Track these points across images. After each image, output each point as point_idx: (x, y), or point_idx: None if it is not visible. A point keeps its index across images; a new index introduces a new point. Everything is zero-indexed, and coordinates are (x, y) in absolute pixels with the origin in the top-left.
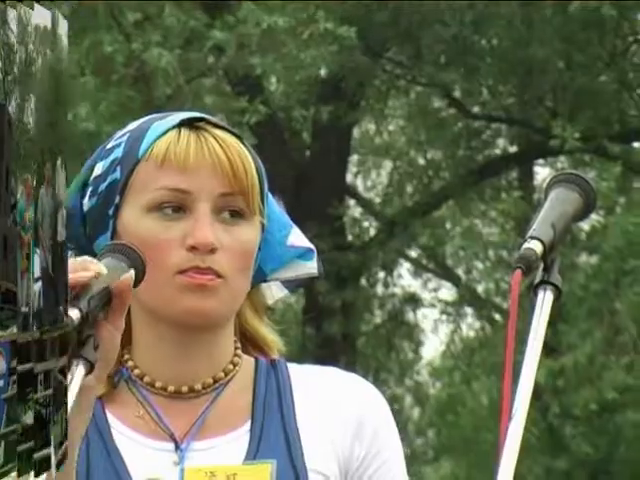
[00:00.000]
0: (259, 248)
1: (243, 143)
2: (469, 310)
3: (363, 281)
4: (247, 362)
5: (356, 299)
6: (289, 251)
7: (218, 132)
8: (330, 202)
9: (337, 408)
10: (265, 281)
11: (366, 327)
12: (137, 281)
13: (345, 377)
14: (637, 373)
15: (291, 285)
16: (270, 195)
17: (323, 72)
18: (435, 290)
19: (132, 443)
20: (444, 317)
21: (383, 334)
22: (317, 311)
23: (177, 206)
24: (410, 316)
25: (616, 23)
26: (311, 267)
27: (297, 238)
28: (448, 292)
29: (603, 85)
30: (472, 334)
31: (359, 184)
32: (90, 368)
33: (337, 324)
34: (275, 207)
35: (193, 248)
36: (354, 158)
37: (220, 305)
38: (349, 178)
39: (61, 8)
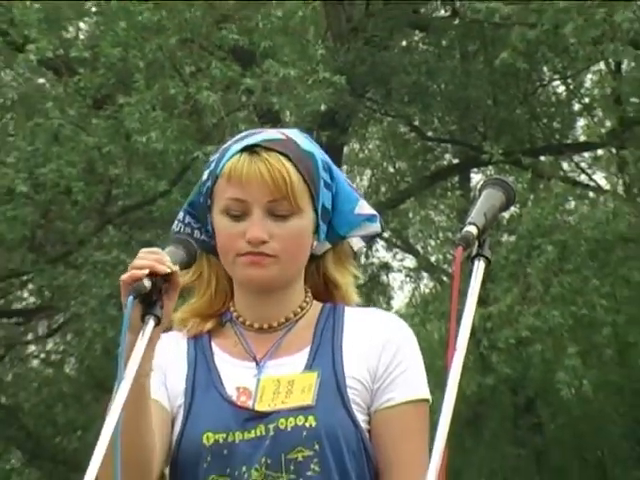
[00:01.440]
0: (331, 218)
1: (289, 159)
2: (425, 274)
3: None
4: (315, 306)
5: None
6: (357, 218)
7: (266, 154)
8: None
9: (371, 333)
10: (344, 239)
11: None
12: (191, 262)
13: (382, 314)
14: (542, 318)
15: (366, 239)
16: (343, 178)
17: (322, 108)
18: (401, 260)
19: (227, 364)
20: (408, 279)
21: (364, 292)
22: None
23: (238, 210)
24: (384, 278)
25: (527, 73)
26: (376, 227)
27: (364, 208)
28: (410, 261)
29: (518, 116)
30: (427, 291)
31: None
32: (158, 321)
33: None
34: (345, 187)
35: (249, 241)
36: (344, 168)
37: (270, 275)
38: None
39: (140, 65)
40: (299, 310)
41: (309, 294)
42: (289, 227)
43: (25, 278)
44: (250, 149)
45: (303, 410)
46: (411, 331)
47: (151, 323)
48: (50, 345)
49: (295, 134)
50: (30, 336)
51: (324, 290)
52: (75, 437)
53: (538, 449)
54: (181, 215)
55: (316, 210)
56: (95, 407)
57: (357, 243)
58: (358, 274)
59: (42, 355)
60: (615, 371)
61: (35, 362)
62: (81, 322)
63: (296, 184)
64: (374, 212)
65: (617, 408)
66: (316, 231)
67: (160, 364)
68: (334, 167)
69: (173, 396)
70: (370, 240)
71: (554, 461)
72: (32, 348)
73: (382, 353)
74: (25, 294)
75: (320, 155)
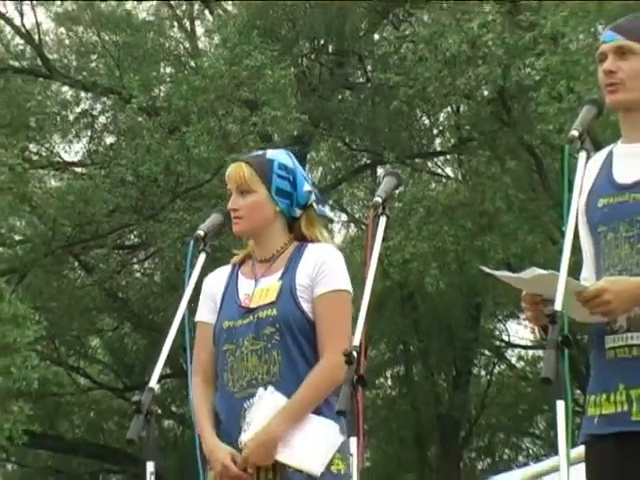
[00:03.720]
0: (292, 194)
1: (248, 164)
2: (352, 224)
3: None
4: (293, 245)
5: None
6: (305, 193)
7: (236, 164)
8: None
9: (313, 255)
10: (306, 206)
11: None
12: (225, 222)
13: (324, 245)
14: (417, 248)
15: (320, 204)
16: (300, 173)
17: (295, 133)
18: (339, 216)
19: (242, 282)
20: (342, 227)
21: None
22: None
23: (230, 195)
24: (329, 227)
25: (408, 113)
26: (313, 197)
27: (306, 187)
28: (344, 217)
29: (403, 137)
30: (353, 234)
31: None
32: (207, 256)
33: None
34: (300, 178)
35: (229, 211)
36: (307, 167)
37: (241, 228)
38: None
39: (194, 109)
40: (280, 249)
41: (291, 239)
42: (247, 200)
43: (132, 227)
44: (234, 161)
45: (271, 304)
46: (339, 253)
47: (203, 256)
48: (146, 264)
49: (274, 151)
50: (135, 260)
51: (302, 238)
52: (160, 315)
53: (415, 320)
54: None
55: (269, 190)
56: (169, 299)
57: (317, 207)
58: (324, 231)
59: (142, 270)
60: (457, 277)
61: (138, 274)
62: (163, 252)
63: (247, 176)
64: (310, 189)
65: (458, 297)
66: (275, 202)
67: (214, 293)
68: (293, 167)
69: (216, 305)
70: (323, 204)
71: (424, 327)
72: (136, 267)
73: (315, 264)
74: (132, 236)
75: (280, 161)
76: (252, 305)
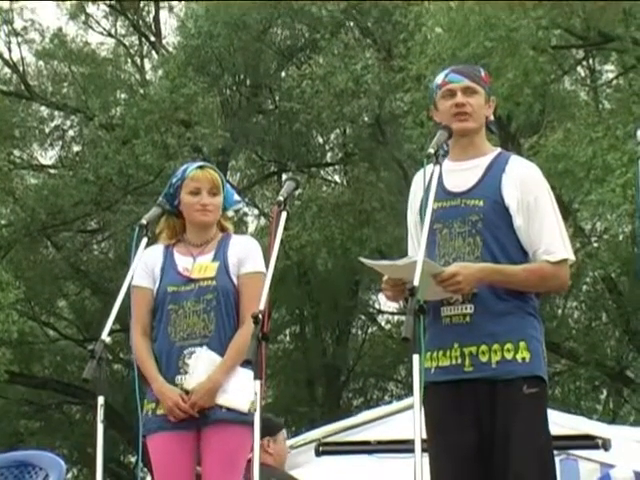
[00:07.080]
0: (225, 200)
1: (215, 171)
2: (262, 217)
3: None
4: (221, 235)
5: None
6: (234, 200)
7: (208, 169)
8: None
9: (239, 242)
10: (228, 209)
11: None
12: (163, 213)
13: (248, 237)
14: (312, 237)
15: (239, 206)
16: (227, 184)
17: (220, 146)
18: (252, 211)
19: (179, 259)
20: (255, 219)
21: (236, 223)
22: None
23: (196, 193)
24: (244, 219)
25: (306, 133)
26: (242, 204)
27: (235, 196)
28: (256, 212)
29: (302, 152)
30: (262, 224)
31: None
32: (148, 240)
33: None
34: (229, 188)
35: (203, 205)
36: (228, 173)
37: (211, 220)
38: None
39: (142, 127)
40: (213, 237)
41: (218, 230)
42: (216, 199)
43: (92, 216)
44: (201, 167)
45: (210, 279)
46: (257, 243)
47: (144, 240)
48: (102, 245)
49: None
50: (94, 241)
51: (222, 228)
52: (112, 283)
53: (308, 291)
54: (161, 197)
55: (223, 196)
56: (120, 271)
57: (236, 208)
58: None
59: (99, 249)
60: (341, 260)
61: (96, 252)
62: (116, 236)
63: (218, 181)
64: (239, 199)
65: (342, 275)
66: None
67: (150, 263)
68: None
69: (156, 274)
70: (240, 207)
71: (315, 297)
72: (95, 246)
73: (242, 249)
74: (92, 223)
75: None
76: (193, 276)
